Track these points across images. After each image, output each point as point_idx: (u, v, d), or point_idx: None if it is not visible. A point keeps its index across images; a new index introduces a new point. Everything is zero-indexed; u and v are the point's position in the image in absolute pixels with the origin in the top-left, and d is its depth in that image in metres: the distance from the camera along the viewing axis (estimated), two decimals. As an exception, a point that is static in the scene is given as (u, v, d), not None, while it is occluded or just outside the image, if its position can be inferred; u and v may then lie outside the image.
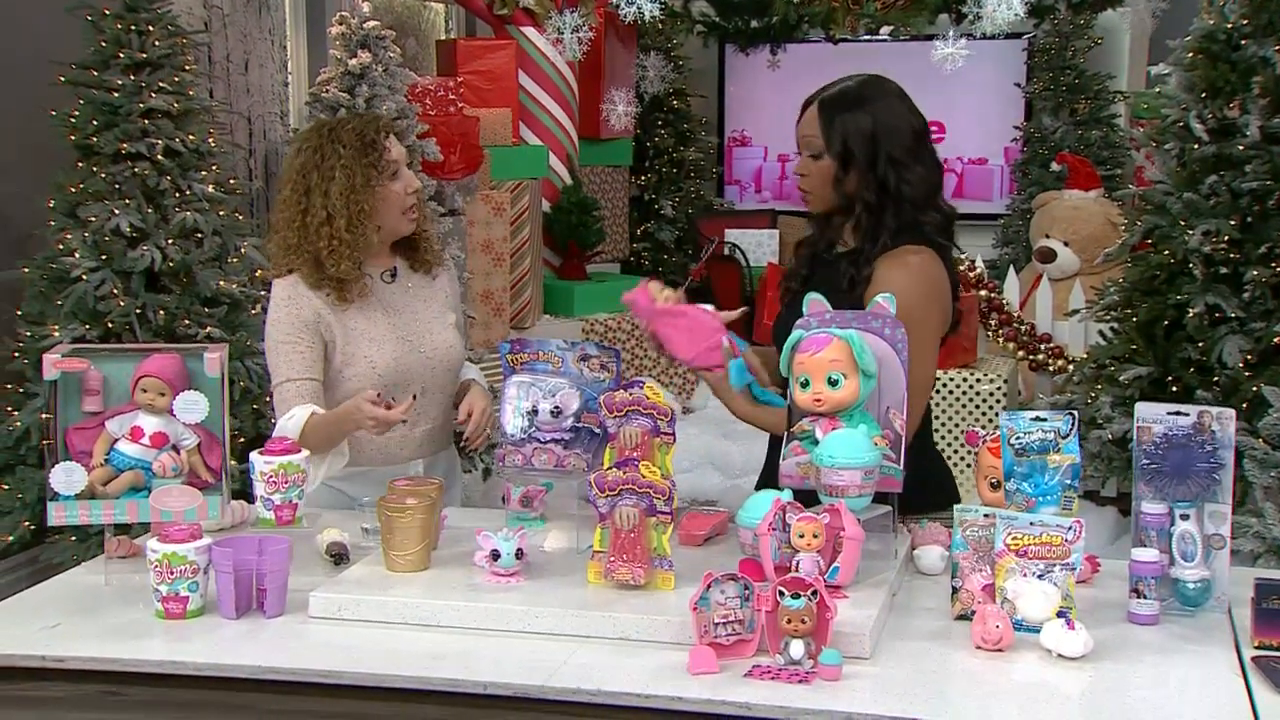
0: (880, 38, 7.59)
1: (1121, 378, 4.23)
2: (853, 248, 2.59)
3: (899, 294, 2.36)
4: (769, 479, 2.29)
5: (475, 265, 5.67)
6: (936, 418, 4.87)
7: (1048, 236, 6.26)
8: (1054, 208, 6.37)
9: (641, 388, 2.21)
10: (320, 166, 2.69)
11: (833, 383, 2.22)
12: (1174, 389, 4.10)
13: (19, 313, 4.07)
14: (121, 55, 4.07)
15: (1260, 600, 1.94)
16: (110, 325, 3.96)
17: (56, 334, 3.91)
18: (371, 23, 4.82)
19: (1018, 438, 2.12)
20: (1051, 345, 5.46)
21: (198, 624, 2.10)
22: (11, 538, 3.95)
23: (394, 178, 2.73)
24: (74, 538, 3.86)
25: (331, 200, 2.67)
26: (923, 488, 2.37)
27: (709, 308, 2.52)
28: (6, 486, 3.98)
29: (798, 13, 7.09)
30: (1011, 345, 5.45)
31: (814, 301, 2.37)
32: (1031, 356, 5.42)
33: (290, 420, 2.61)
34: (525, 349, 2.40)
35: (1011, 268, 6.34)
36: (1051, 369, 5.40)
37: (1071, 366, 5.09)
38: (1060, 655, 1.91)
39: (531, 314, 6.08)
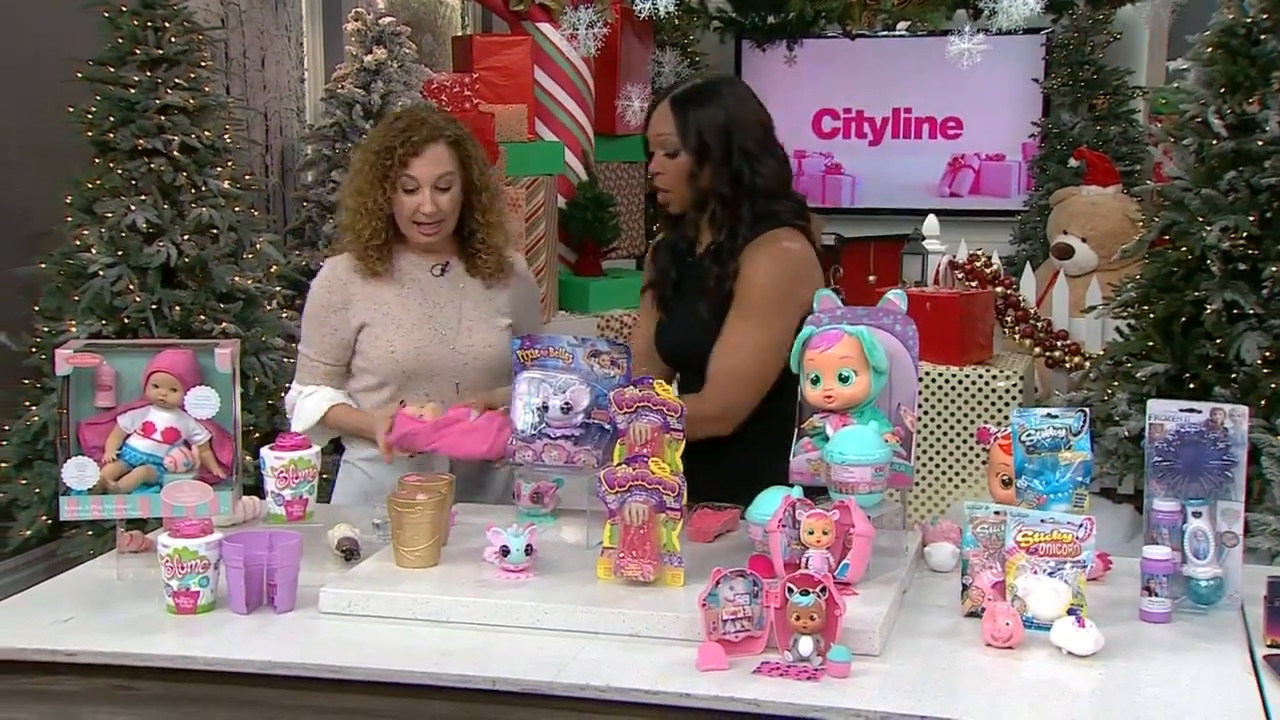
0: (897, 33, 7.56)
1: (1138, 374, 4.20)
2: (711, 244, 2.66)
3: (767, 275, 2.54)
4: (770, 477, 2.30)
5: (490, 261, 5.67)
6: (952, 414, 4.85)
7: (1065, 233, 6.23)
8: (1072, 204, 6.33)
9: (652, 384, 2.21)
10: (363, 147, 2.79)
11: (843, 379, 2.22)
12: (1191, 386, 4.07)
13: (36, 308, 4.09)
14: (138, 52, 4.09)
15: (1273, 598, 1.93)
16: (126, 321, 3.98)
17: (73, 329, 3.93)
18: (387, 19, 4.83)
19: (1029, 435, 2.11)
20: (1068, 342, 5.43)
21: (208, 619, 2.11)
22: (29, 532, 3.98)
23: (409, 192, 2.71)
24: (90, 532, 3.88)
25: (350, 181, 2.76)
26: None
27: (468, 406, 2.56)
28: (24, 481, 4.01)
29: (814, 8, 7.04)
30: (1028, 342, 5.42)
31: (824, 298, 2.37)
32: (1048, 353, 5.39)
33: (309, 399, 2.72)
34: (536, 345, 2.40)
35: (1028, 264, 6.30)
36: (1068, 366, 5.37)
37: (1088, 363, 5.06)
38: (1070, 653, 1.90)
39: (547, 310, 6.08)
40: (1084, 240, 6.15)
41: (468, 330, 2.79)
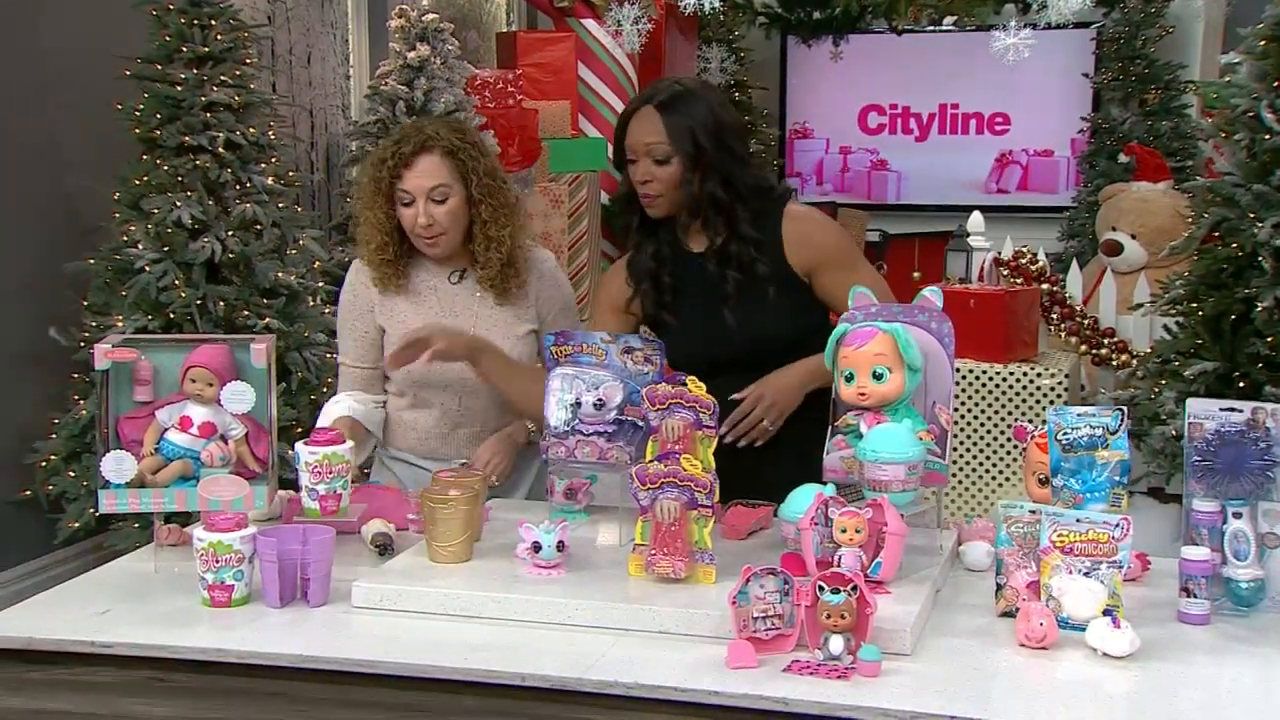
0: (944, 28, 7.52)
1: (1186, 373, 4.15)
2: (711, 246, 2.65)
3: (832, 230, 2.72)
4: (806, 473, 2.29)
5: (533, 257, 5.69)
6: (996, 412, 4.81)
7: (1114, 229, 6.15)
8: (1121, 200, 6.25)
9: (684, 381, 2.20)
10: (367, 162, 2.79)
11: (877, 376, 2.20)
12: (1241, 385, 4.01)
13: (85, 304, 4.13)
14: (184, 50, 4.12)
15: (1313, 601, 1.90)
16: (171, 316, 4.02)
17: (120, 324, 3.97)
18: (430, 15, 4.84)
19: (1065, 433, 2.09)
20: (1115, 340, 5.37)
21: (242, 612, 2.12)
22: (77, 524, 4.03)
23: (406, 205, 2.67)
24: (137, 525, 3.92)
25: (356, 195, 2.80)
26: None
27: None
28: (73, 474, 4.05)
29: (860, 3, 7.02)
30: (1074, 340, 5.35)
31: (860, 295, 2.35)
32: (1094, 351, 5.32)
33: (333, 406, 2.76)
34: (569, 341, 2.40)
35: (1075, 261, 6.24)
36: (1115, 364, 5.30)
37: (1135, 361, 5.00)
38: (1105, 654, 1.88)
39: (588, 306, 6.09)
40: (1133, 237, 6.07)
41: (483, 338, 2.75)
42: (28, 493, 4.07)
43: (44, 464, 4.06)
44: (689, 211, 2.65)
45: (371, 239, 2.73)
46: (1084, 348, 5.35)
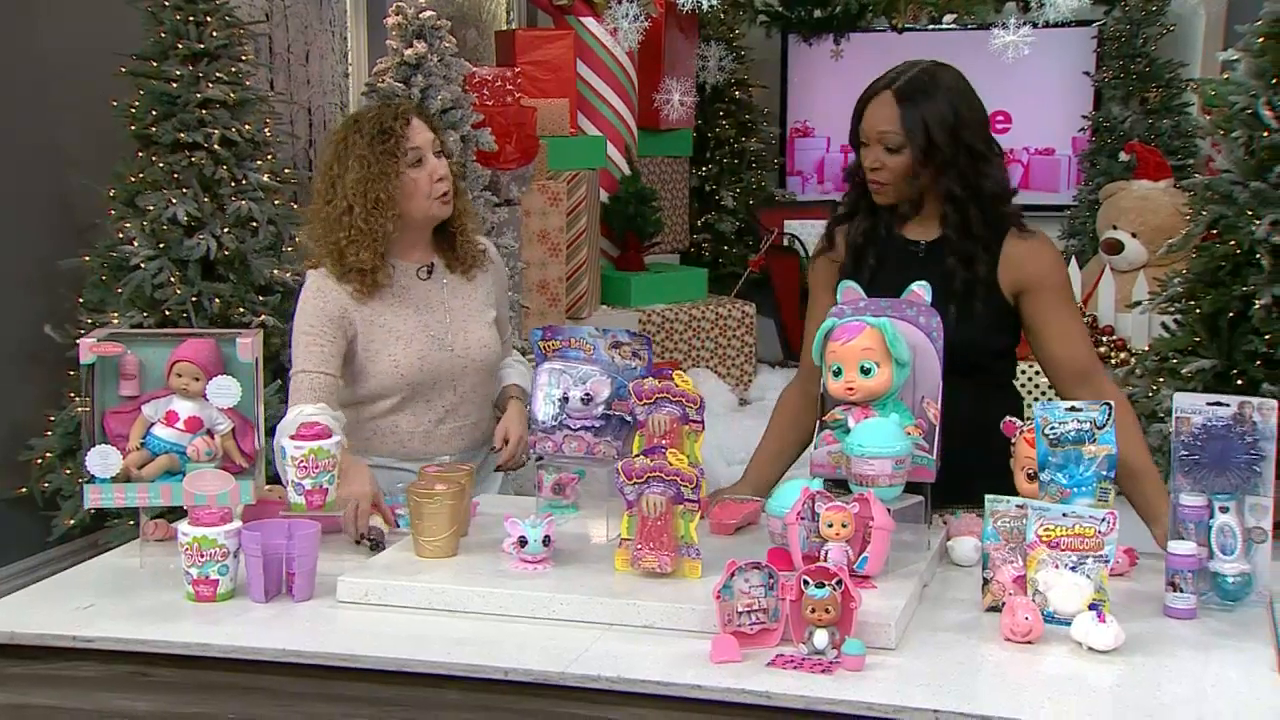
0: (945, 26, 7.50)
1: (1184, 371, 4.13)
2: (937, 240, 2.55)
3: (1060, 266, 2.57)
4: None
5: (531, 255, 5.68)
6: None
7: (1115, 228, 6.14)
8: (1121, 198, 6.24)
9: (671, 375, 2.19)
10: (341, 157, 2.69)
11: (865, 371, 2.20)
12: (1239, 382, 3.99)
13: (80, 301, 4.13)
14: (180, 46, 4.11)
15: (1300, 595, 1.89)
16: (167, 313, 4.01)
17: (116, 321, 3.97)
18: (427, 13, 4.83)
19: (1052, 428, 2.08)
20: (1114, 338, 5.36)
21: (227, 607, 2.12)
22: (73, 521, 4.02)
23: (417, 165, 2.68)
24: (132, 521, 3.90)
25: (349, 190, 2.66)
26: None
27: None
28: (68, 471, 4.05)
29: (860, 2, 7.01)
30: (1073, 337, 5.35)
31: (848, 289, 2.34)
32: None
33: (296, 416, 2.56)
34: (557, 336, 2.39)
35: (1074, 259, 6.23)
36: (1114, 362, 5.29)
37: (1134, 359, 4.98)
38: (1090, 648, 1.87)
39: (589, 304, 6.08)
40: (1134, 235, 6.06)
41: (461, 331, 2.77)
42: (23, 490, 4.06)
43: (39, 461, 4.05)
44: (913, 204, 2.56)
45: (379, 226, 2.64)
46: (1083, 346, 5.34)
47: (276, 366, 4.17)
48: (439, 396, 2.76)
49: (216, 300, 4.06)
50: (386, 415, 2.77)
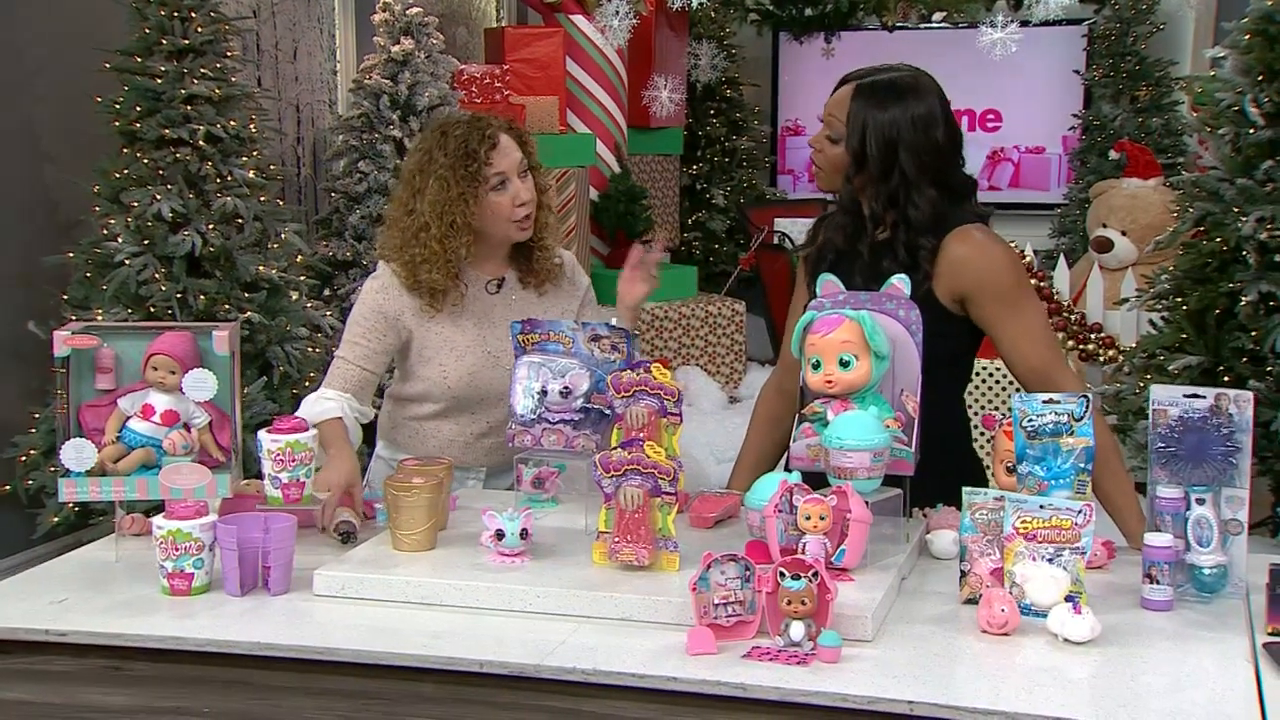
0: (936, 25, 7.51)
1: (1170, 367, 4.13)
2: (884, 240, 2.51)
3: (988, 269, 2.43)
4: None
5: (520, 253, 5.67)
6: (983, 407, 4.79)
7: (1105, 226, 6.14)
8: (1111, 196, 6.24)
9: (649, 367, 2.18)
10: (424, 170, 2.64)
11: (844, 364, 2.19)
12: (1225, 379, 3.99)
13: (64, 297, 4.12)
14: (164, 42, 4.11)
15: (1275, 585, 1.88)
16: (152, 309, 4.00)
17: (100, 318, 3.96)
18: (414, 10, 4.83)
19: (1030, 420, 2.08)
20: (1102, 335, 5.36)
21: (202, 600, 2.11)
22: (57, 519, 4.01)
23: (500, 189, 2.62)
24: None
25: (428, 208, 2.60)
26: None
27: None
28: (53, 469, 4.04)
29: (851, 0, 7.02)
30: (1061, 335, 5.35)
31: (827, 283, 2.34)
32: (1081, 346, 5.32)
33: (319, 405, 2.58)
34: (536, 329, 2.38)
35: (1062, 257, 6.23)
36: (1102, 359, 5.30)
37: (1121, 356, 4.98)
38: (1067, 640, 1.86)
39: (578, 302, 6.08)
40: (1124, 233, 6.07)
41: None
42: (7, 487, 4.05)
43: (23, 459, 4.04)
44: (847, 204, 2.51)
45: (453, 249, 2.59)
46: (1071, 343, 5.35)
47: (263, 364, 4.17)
48: (485, 411, 2.73)
49: (201, 297, 4.05)
50: (430, 419, 2.75)
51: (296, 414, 2.45)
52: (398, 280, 2.67)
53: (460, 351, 2.69)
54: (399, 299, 2.67)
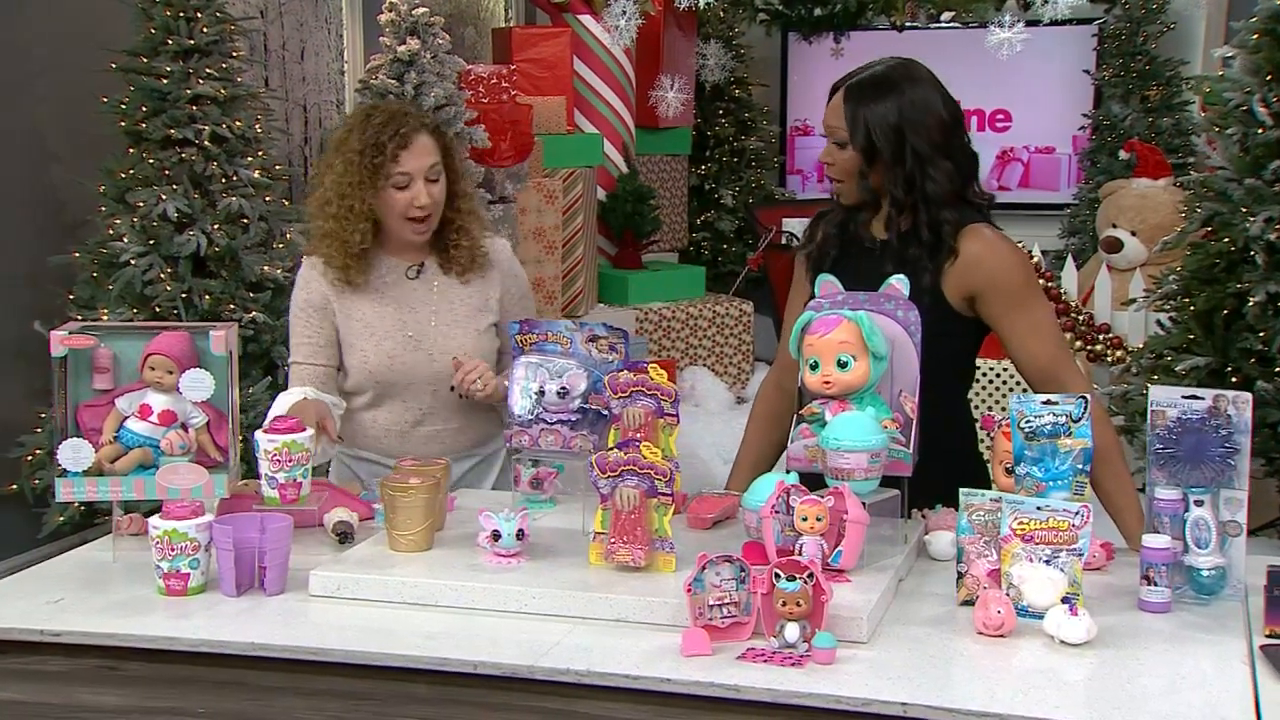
0: (945, 25, 7.48)
1: (1178, 368, 4.11)
2: (886, 241, 2.51)
3: (1000, 268, 2.45)
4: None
5: (525, 253, 5.67)
6: (989, 408, 4.78)
7: (1114, 226, 6.11)
8: (1121, 196, 6.21)
9: (646, 368, 2.18)
10: (338, 148, 2.68)
11: (842, 365, 2.18)
12: (1233, 380, 3.98)
13: (70, 297, 4.13)
14: (170, 42, 4.11)
15: (1273, 587, 1.87)
16: (157, 310, 4.01)
17: (105, 318, 3.97)
18: (420, 9, 4.82)
19: (1027, 421, 2.07)
20: (1110, 335, 5.33)
21: (198, 601, 2.11)
22: (62, 518, 4.02)
23: (401, 188, 2.63)
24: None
25: (330, 184, 2.65)
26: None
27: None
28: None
29: (860, 0, 6.99)
30: (1069, 335, 5.32)
31: (825, 283, 2.33)
32: (1089, 347, 5.30)
33: (284, 399, 2.63)
34: (534, 329, 2.38)
35: (1070, 257, 6.20)
36: (1109, 360, 5.27)
37: (1129, 357, 4.96)
38: (1063, 641, 1.85)
39: (585, 302, 6.07)
40: (1133, 234, 6.03)
41: (443, 334, 2.73)
42: (13, 487, 4.06)
43: (29, 458, 4.04)
44: (867, 203, 2.53)
45: (354, 230, 2.64)
46: (1079, 344, 5.32)
47: (267, 364, 4.17)
48: (414, 398, 2.74)
49: (207, 297, 4.05)
50: (365, 410, 2.77)
51: (269, 415, 2.47)
52: (315, 271, 2.72)
53: (380, 336, 2.71)
54: (320, 288, 2.72)
